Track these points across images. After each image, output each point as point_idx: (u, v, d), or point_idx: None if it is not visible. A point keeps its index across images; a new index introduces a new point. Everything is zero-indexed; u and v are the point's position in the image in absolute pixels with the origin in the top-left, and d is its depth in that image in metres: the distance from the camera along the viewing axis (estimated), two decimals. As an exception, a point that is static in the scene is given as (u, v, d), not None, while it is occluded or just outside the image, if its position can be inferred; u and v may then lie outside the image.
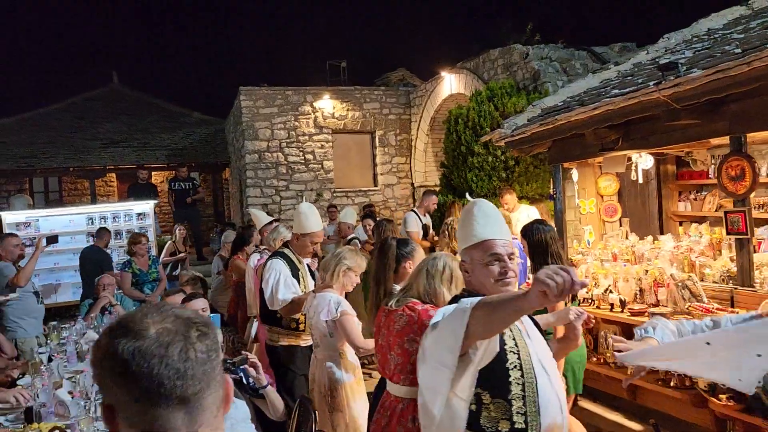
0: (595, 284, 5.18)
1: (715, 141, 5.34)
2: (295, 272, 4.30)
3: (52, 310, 8.93)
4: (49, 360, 5.13)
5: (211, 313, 5.34)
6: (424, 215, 8.01)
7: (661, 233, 7.77)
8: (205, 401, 1.02)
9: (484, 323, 1.78)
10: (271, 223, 5.76)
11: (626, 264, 5.24)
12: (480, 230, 2.15)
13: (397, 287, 3.20)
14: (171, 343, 1.00)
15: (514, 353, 2.01)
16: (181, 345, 1.00)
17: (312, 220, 4.32)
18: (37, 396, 3.72)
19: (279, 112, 12.69)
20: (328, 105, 12.97)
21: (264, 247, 5.61)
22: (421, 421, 2.06)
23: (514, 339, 2.04)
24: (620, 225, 7.40)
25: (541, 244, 3.84)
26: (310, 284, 4.38)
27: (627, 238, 6.24)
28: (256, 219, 5.86)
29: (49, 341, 6.11)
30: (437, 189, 9.84)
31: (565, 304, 3.14)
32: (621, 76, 5.58)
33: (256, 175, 12.66)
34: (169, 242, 9.88)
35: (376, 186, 13.52)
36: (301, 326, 4.26)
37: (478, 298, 1.84)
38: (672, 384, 4.41)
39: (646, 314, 4.62)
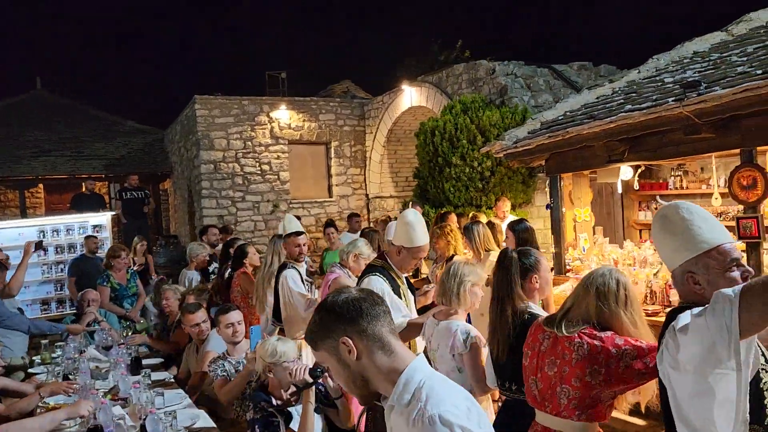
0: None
1: (704, 154, 5.81)
2: (396, 290, 3.69)
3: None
4: (65, 378, 4.84)
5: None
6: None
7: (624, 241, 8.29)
8: (391, 320, 1.72)
9: (763, 304, 1.60)
10: (290, 235, 5.38)
11: (635, 268, 5.58)
12: (708, 234, 1.92)
13: (531, 304, 2.94)
14: (372, 294, 1.73)
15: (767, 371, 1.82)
16: (376, 296, 1.74)
17: (419, 230, 3.72)
18: (95, 417, 3.51)
19: (235, 122, 12.47)
20: (284, 115, 12.88)
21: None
22: None
23: (764, 355, 1.85)
24: (594, 233, 7.85)
25: (527, 237, 5.04)
26: (412, 303, 3.84)
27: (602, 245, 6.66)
28: (284, 225, 5.57)
29: (39, 358, 5.75)
30: (411, 199, 9.99)
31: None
32: (621, 93, 5.96)
33: (212, 186, 12.34)
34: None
35: (331, 197, 13.52)
36: None
37: (740, 286, 1.69)
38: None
39: (660, 314, 4.96)
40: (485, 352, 3.15)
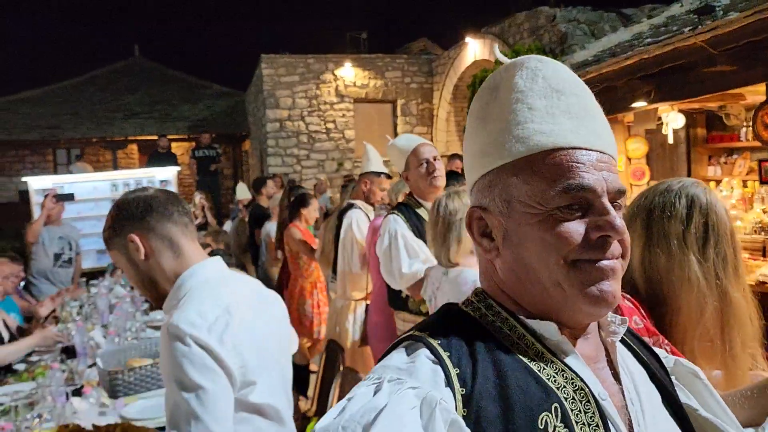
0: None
1: (750, 97, 5.21)
2: (420, 230, 3.07)
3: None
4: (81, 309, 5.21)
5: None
6: (450, 179, 7.88)
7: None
8: (189, 222, 1.74)
9: None
10: (379, 174, 4.17)
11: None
12: (537, 125, 0.81)
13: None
14: (170, 195, 1.74)
15: None
16: (174, 197, 1.74)
17: (402, 140, 3.25)
18: (72, 336, 3.77)
19: (300, 80, 12.65)
20: (349, 73, 12.89)
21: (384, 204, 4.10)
22: None
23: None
24: (648, 188, 7.30)
25: None
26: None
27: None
28: (366, 159, 4.21)
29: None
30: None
31: None
32: (654, 28, 5.45)
33: (277, 144, 12.65)
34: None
35: (397, 156, 13.45)
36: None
37: None
38: None
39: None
40: None
